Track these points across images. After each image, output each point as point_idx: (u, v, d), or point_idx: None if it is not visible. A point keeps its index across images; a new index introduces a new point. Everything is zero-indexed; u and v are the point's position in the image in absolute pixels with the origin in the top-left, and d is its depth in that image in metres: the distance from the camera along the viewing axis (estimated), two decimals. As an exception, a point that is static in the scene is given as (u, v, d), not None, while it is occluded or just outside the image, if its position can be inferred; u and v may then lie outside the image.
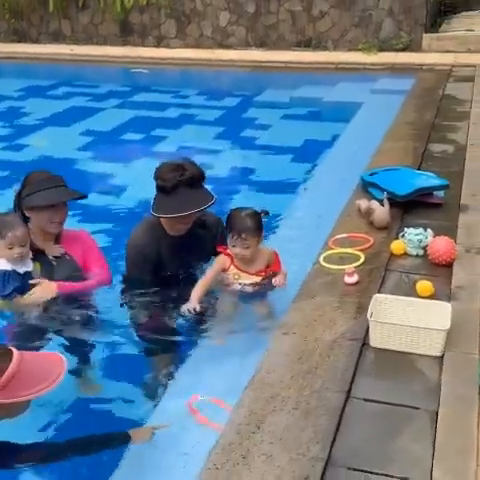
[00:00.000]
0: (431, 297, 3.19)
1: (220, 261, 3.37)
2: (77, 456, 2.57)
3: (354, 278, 3.45)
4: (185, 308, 3.21)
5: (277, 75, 9.46)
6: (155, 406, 2.97)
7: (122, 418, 2.97)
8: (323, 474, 2.25)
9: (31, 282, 3.21)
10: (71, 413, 3.03)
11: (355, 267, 3.54)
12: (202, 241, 3.50)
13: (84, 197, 3.45)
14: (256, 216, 3.32)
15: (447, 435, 2.37)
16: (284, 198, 5.46)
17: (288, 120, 7.79)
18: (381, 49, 9.64)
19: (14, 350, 2.20)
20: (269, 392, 2.67)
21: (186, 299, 3.27)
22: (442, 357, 2.81)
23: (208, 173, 6.21)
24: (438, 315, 2.91)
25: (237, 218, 3.28)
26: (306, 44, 10.20)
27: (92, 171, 6.56)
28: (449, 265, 3.52)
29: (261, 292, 3.44)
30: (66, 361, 2.28)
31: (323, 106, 8.11)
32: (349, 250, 3.79)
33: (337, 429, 2.45)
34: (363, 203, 4.23)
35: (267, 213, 3.40)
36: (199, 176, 3.32)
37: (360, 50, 9.72)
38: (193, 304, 3.20)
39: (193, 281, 3.38)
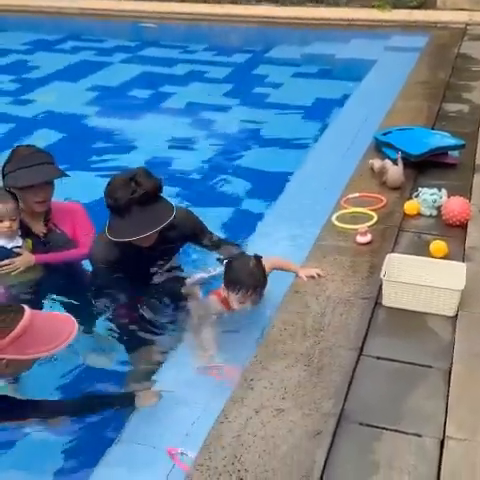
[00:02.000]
0: (445, 257, 3.17)
1: (217, 309, 3.07)
2: (80, 415, 2.62)
3: (367, 238, 3.42)
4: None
5: (288, 31, 9.25)
6: (164, 362, 2.99)
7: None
8: (336, 429, 2.27)
9: (7, 261, 3.19)
10: (77, 372, 3.04)
11: (368, 227, 3.51)
12: (172, 243, 3.25)
13: (65, 176, 3.28)
14: (261, 263, 2.97)
15: (460, 393, 2.38)
16: (295, 157, 5.40)
17: (299, 77, 7.66)
18: (395, 6, 9.41)
19: (26, 307, 2.20)
20: (281, 349, 2.68)
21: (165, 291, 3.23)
22: (455, 317, 2.80)
23: (217, 130, 6.27)
24: (452, 275, 2.89)
25: (246, 273, 2.90)
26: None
27: (99, 126, 6.49)
28: (463, 225, 3.49)
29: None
30: (77, 323, 2.29)
31: (335, 63, 7.95)
32: (362, 210, 3.76)
33: (349, 386, 2.46)
34: (376, 163, 4.18)
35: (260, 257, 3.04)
36: (154, 190, 2.94)
37: (373, 7, 9.49)
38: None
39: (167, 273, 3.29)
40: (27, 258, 3.23)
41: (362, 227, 3.46)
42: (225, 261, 3.01)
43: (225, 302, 3.04)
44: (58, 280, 3.41)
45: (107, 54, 8.93)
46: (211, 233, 3.41)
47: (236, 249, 3.42)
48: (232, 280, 2.93)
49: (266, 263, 3.08)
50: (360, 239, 3.43)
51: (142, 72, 8.13)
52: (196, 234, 3.33)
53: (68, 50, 9.17)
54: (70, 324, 2.28)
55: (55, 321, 2.29)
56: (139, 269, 3.17)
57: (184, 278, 3.35)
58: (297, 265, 3.25)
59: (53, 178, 3.25)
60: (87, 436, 2.63)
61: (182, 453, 2.38)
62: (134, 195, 2.86)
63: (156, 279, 3.28)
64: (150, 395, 2.67)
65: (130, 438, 2.51)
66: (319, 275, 3.16)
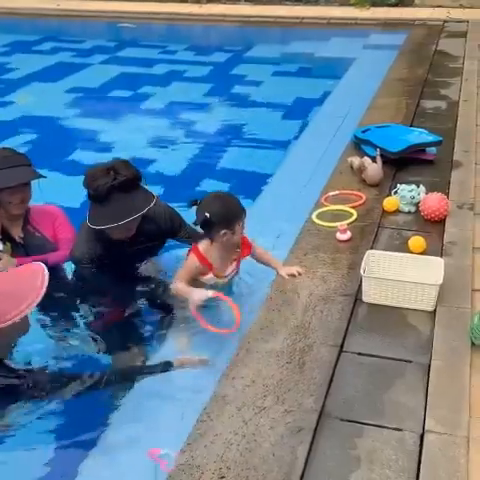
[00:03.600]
0: (423, 253, 3.20)
1: (198, 268, 3.02)
2: (116, 385, 2.62)
3: (347, 235, 3.44)
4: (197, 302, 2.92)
5: (267, 30, 9.28)
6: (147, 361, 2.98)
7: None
8: (317, 425, 2.28)
9: None
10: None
11: (348, 224, 3.53)
12: (152, 238, 3.21)
13: (42, 177, 3.22)
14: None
15: (439, 387, 2.40)
16: (275, 155, 5.42)
17: (279, 76, 7.69)
18: (374, 4, 9.48)
19: None
20: (263, 347, 2.69)
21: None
22: (434, 312, 2.83)
23: (197, 130, 6.27)
24: (431, 270, 2.92)
25: (229, 202, 2.95)
26: (297, -2, 10.00)
27: (78, 128, 6.46)
28: (441, 221, 3.52)
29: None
30: (46, 271, 2.13)
31: (314, 62, 8.00)
32: (342, 207, 3.78)
33: (330, 382, 2.48)
34: (356, 160, 4.20)
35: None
36: (134, 178, 2.93)
37: (352, 5, 9.55)
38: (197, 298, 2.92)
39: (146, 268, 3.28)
40: (9, 262, 3.16)
41: (342, 224, 3.48)
42: (205, 216, 2.90)
43: (204, 261, 3.00)
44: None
45: (86, 55, 8.89)
46: (190, 226, 3.32)
47: None
48: (232, 214, 2.91)
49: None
50: (340, 236, 3.45)
51: (121, 73, 8.11)
52: (175, 229, 3.29)
53: (46, 51, 9.12)
54: (38, 276, 2.11)
55: (19, 279, 2.14)
56: (122, 266, 3.14)
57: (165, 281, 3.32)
58: (279, 262, 3.26)
59: (30, 180, 3.21)
60: (69, 436, 2.61)
61: (162, 454, 2.37)
62: (114, 182, 2.85)
63: (140, 277, 3.26)
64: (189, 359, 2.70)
65: (111, 439, 2.50)
66: (299, 273, 3.18)
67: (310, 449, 2.19)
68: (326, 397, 2.40)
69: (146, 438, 2.45)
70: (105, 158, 5.47)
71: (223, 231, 2.91)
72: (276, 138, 5.85)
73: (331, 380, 2.49)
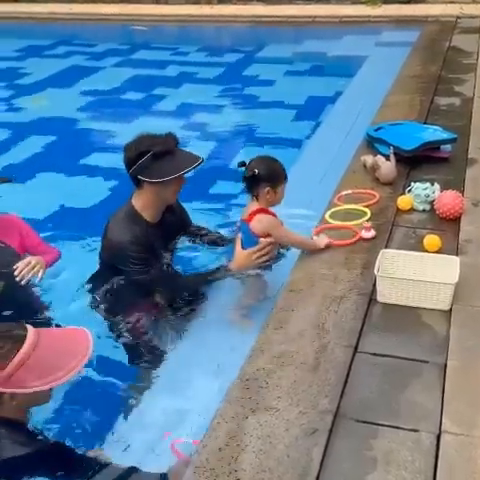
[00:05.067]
0: (439, 251, 3.17)
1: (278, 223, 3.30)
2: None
3: (371, 233, 3.40)
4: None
5: (279, 30, 9.28)
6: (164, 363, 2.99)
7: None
8: (332, 427, 2.26)
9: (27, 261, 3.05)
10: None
11: (359, 223, 3.50)
12: (173, 226, 3.36)
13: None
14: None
15: (456, 387, 2.38)
16: (287, 155, 5.37)
17: (291, 76, 7.68)
18: (385, 1, 9.43)
19: (30, 330, 1.92)
20: (277, 348, 2.67)
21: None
22: (450, 311, 2.80)
23: (210, 131, 6.27)
24: (446, 269, 2.89)
25: (275, 163, 3.25)
26: (308, -3, 9.97)
27: (92, 131, 6.51)
28: (457, 219, 3.49)
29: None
30: (92, 341, 2.00)
31: (327, 61, 7.97)
32: (355, 206, 3.76)
33: (345, 383, 2.46)
34: (369, 158, 4.17)
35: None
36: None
37: (364, 3, 9.51)
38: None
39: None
40: (39, 259, 3.06)
41: (366, 222, 3.42)
42: (254, 171, 3.14)
43: (271, 213, 3.28)
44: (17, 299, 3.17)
45: (99, 58, 8.94)
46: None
47: (219, 237, 3.63)
48: (271, 177, 3.19)
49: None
50: (365, 234, 3.39)
51: (134, 75, 8.14)
52: (186, 222, 3.51)
53: (60, 55, 9.18)
54: (83, 343, 1.99)
55: (65, 342, 2.02)
56: (157, 251, 3.21)
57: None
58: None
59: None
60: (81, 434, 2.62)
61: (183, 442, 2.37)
62: (174, 136, 3.11)
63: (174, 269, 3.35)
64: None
65: (118, 442, 2.51)
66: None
67: (325, 451, 2.17)
68: (341, 398, 2.38)
69: (159, 442, 2.45)
70: (119, 160, 5.55)
71: (267, 188, 3.17)
72: (289, 138, 5.84)
73: (346, 381, 2.47)
